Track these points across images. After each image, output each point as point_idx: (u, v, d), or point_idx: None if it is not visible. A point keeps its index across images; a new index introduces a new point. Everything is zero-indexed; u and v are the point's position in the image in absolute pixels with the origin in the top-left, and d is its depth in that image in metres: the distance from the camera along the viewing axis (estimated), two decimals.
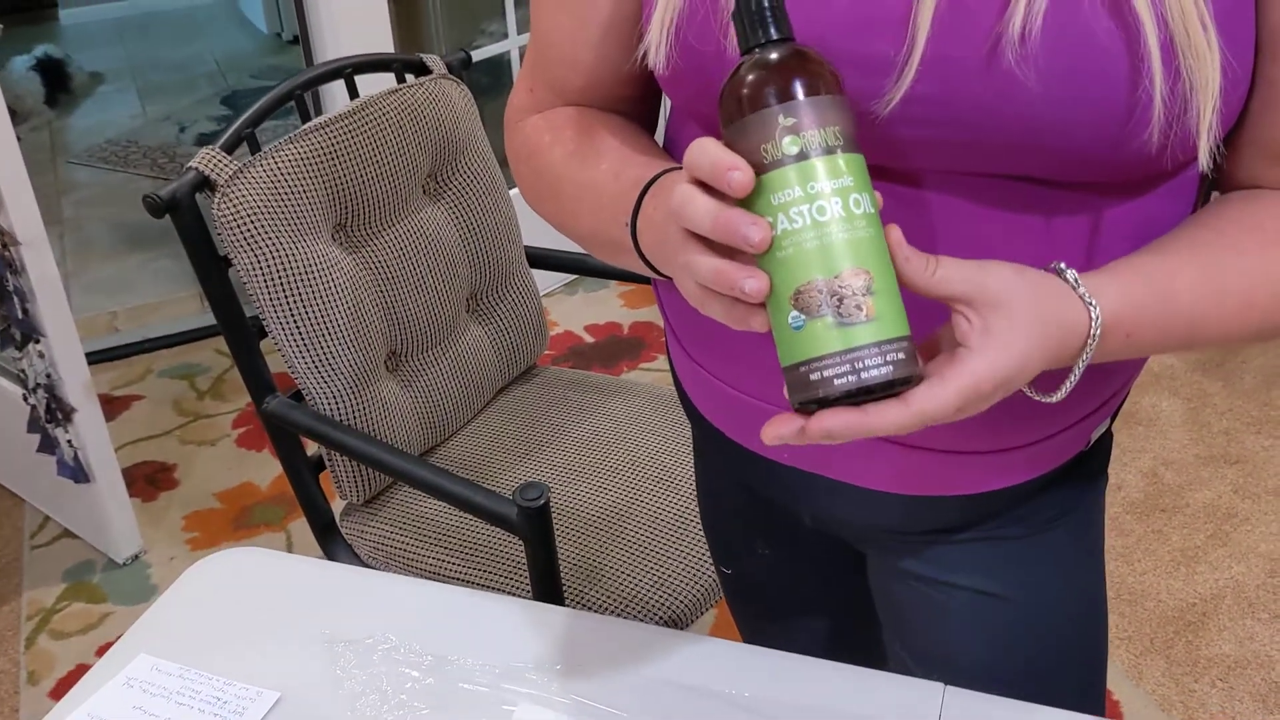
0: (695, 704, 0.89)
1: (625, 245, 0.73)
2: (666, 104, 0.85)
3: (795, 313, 0.59)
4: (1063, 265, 0.65)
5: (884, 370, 0.59)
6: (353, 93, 1.59)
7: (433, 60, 1.65)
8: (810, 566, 1.04)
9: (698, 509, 1.50)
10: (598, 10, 0.78)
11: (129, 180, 3.73)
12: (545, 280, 2.80)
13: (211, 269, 1.42)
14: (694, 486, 1.53)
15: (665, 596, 1.39)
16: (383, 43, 2.45)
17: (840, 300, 0.58)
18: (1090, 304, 0.64)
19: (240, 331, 1.47)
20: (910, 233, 0.62)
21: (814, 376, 0.59)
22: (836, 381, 0.59)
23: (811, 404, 0.61)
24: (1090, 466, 0.90)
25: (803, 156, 0.58)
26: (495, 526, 1.30)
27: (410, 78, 1.62)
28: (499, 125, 0.92)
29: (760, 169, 0.59)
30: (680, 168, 0.68)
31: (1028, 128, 0.63)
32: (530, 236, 1.77)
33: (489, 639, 0.96)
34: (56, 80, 4.37)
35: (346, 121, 1.49)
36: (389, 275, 1.54)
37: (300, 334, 1.43)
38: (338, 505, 1.59)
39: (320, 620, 0.98)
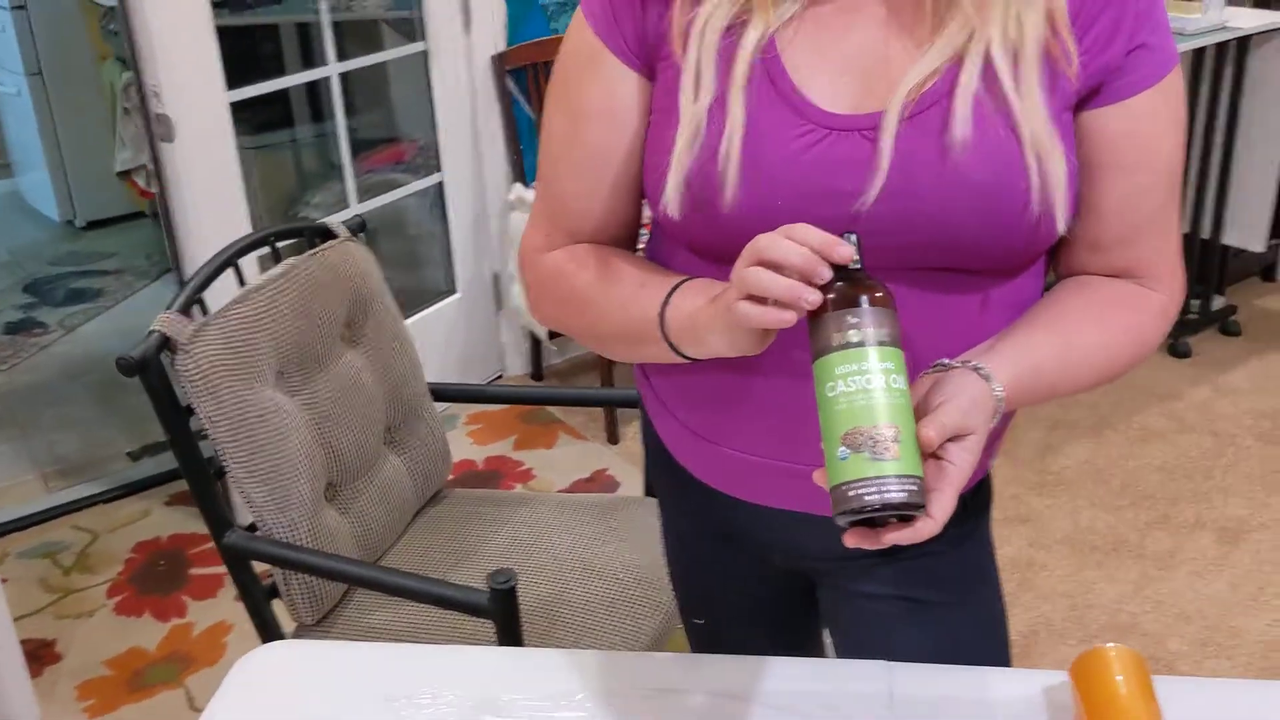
0: (689, 704, 1.12)
1: (649, 336, 0.99)
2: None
3: (843, 448, 0.85)
4: (980, 365, 0.93)
5: (900, 495, 0.84)
6: (276, 257, 1.78)
7: (337, 226, 1.87)
8: (776, 603, 1.29)
9: (621, 593, 1.73)
10: (608, 175, 1.05)
11: None
12: None
13: (174, 418, 1.57)
14: (614, 573, 1.77)
15: None
16: (241, 220, 2.63)
17: (875, 442, 0.84)
18: (999, 398, 0.93)
19: (200, 473, 1.61)
20: None
21: (851, 493, 0.85)
22: (866, 498, 0.84)
23: (849, 514, 0.85)
24: (985, 493, 1.20)
25: (861, 344, 0.85)
26: (466, 614, 1.49)
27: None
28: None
29: (832, 348, 0.86)
30: (689, 279, 0.99)
31: (975, 211, 0.93)
32: (430, 373, 1.99)
33: (527, 679, 1.16)
34: None
35: (280, 282, 1.69)
36: (323, 414, 1.73)
37: (259, 470, 1.59)
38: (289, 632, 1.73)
39: (371, 685, 1.16)
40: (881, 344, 0.86)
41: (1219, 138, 3.36)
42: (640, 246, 1.15)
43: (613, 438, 3.10)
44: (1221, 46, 3.23)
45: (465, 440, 3.14)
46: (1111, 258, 1.04)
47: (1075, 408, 3.17)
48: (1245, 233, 3.48)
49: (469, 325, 3.36)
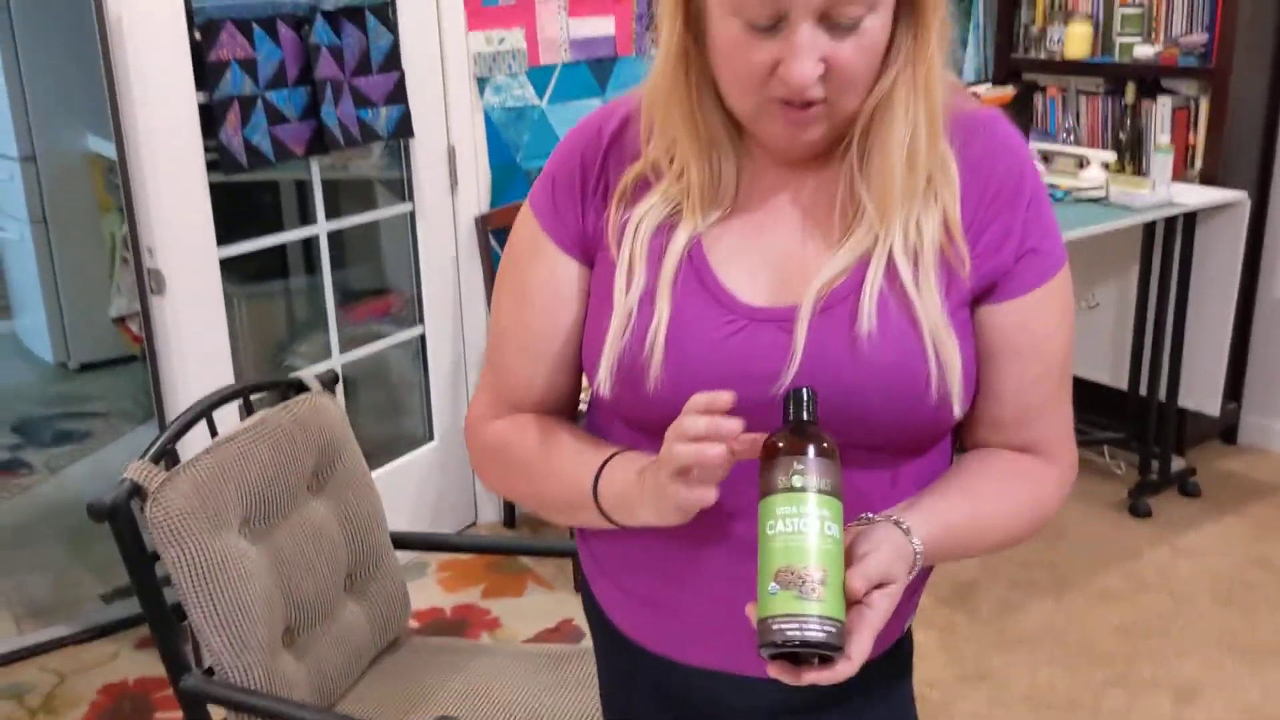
0: None
1: (584, 504, 1.07)
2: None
3: (774, 584, 0.92)
4: (900, 519, 1.02)
5: (820, 635, 0.91)
6: (248, 409, 1.87)
7: (310, 380, 1.97)
8: None
9: None
10: (550, 354, 1.15)
11: None
12: None
13: (140, 564, 1.64)
14: None
15: None
16: (225, 370, 2.73)
17: (804, 582, 0.91)
18: (918, 551, 1.01)
19: (163, 619, 1.67)
20: None
21: (775, 627, 0.91)
22: (788, 633, 0.91)
23: (772, 647, 0.91)
24: (904, 650, 1.26)
25: (803, 490, 0.93)
26: None
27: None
28: None
29: (776, 489, 0.93)
30: (622, 450, 1.07)
31: (880, 396, 1.02)
32: (404, 519, 2.06)
33: None
34: None
35: (251, 433, 1.78)
36: (285, 560, 1.79)
37: (219, 615, 1.65)
38: None
39: None
40: (821, 492, 0.93)
41: (1171, 305, 3.50)
42: (582, 409, 1.24)
43: (580, 587, 3.14)
44: (1170, 220, 3.39)
45: (435, 588, 3.18)
46: (1010, 435, 1.13)
47: (1036, 566, 3.23)
48: (1201, 397, 3.59)
49: (444, 472, 3.43)
